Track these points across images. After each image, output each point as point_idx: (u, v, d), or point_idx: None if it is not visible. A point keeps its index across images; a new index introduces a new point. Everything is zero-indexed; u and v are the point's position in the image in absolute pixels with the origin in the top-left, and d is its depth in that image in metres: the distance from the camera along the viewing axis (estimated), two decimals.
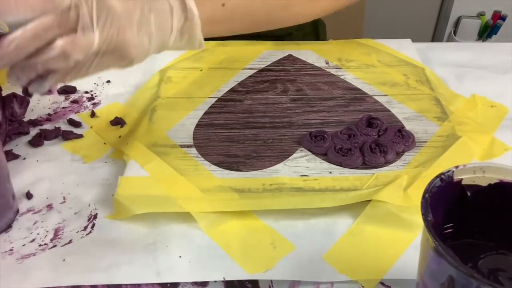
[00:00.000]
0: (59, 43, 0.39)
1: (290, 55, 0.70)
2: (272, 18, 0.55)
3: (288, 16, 0.56)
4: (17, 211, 0.48)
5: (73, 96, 0.64)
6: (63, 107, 0.62)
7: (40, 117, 0.60)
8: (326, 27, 0.91)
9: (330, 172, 0.51)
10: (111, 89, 0.65)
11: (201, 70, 0.67)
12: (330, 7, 0.60)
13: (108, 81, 0.66)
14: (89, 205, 0.49)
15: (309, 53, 0.70)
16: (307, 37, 0.79)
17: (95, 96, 0.64)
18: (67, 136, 0.57)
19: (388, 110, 0.60)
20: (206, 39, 0.48)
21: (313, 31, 0.88)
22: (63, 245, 0.45)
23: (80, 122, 0.59)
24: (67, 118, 0.60)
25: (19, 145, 0.56)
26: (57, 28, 0.38)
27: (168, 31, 0.45)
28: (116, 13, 0.41)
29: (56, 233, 0.46)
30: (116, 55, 0.42)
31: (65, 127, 0.59)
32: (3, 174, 0.46)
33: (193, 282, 0.42)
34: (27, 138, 0.57)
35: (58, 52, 0.39)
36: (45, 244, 0.45)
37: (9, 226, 0.47)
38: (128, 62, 0.43)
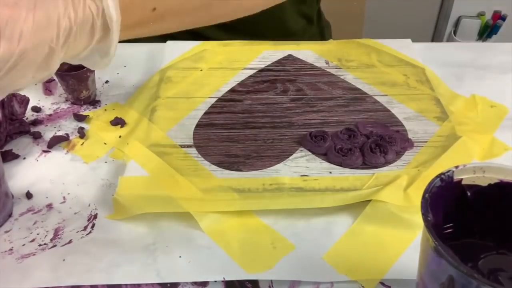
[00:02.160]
0: None
1: (290, 55, 0.70)
2: (209, 14, 0.48)
3: (227, 11, 0.50)
4: (11, 213, 0.48)
5: None
6: (63, 108, 0.62)
7: (40, 117, 0.60)
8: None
9: (330, 172, 0.51)
10: (111, 89, 0.65)
11: (201, 70, 0.67)
12: None
13: (107, 81, 0.66)
14: (89, 205, 0.49)
15: (309, 53, 0.70)
16: (313, 39, 0.79)
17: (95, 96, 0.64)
18: (66, 136, 0.57)
19: (388, 110, 0.60)
20: (150, 38, 0.44)
21: (319, 33, 0.88)
22: (63, 245, 0.45)
23: (86, 116, 0.60)
24: (73, 113, 0.60)
25: (19, 144, 0.56)
26: None
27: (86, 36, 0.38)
28: None
29: (56, 233, 0.46)
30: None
31: (65, 127, 0.59)
32: None
33: (193, 282, 0.42)
34: (28, 137, 0.57)
35: None
36: (45, 244, 0.45)
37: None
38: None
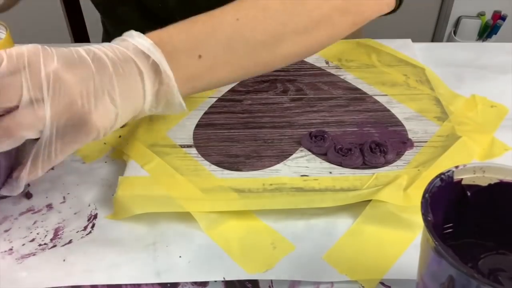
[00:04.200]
0: None
1: None
2: (258, 61, 0.47)
3: (278, 57, 0.48)
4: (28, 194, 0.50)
5: None
6: None
7: None
8: None
9: (330, 172, 0.51)
10: None
11: None
12: (327, 38, 0.50)
13: None
14: (89, 205, 0.49)
15: None
16: None
17: None
18: None
19: (388, 110, 0.60)
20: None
21: None
22: (63, 245, 0.45)
23: None
24: None
25: None
26: None
27: (139, 96, 0.41)
28: (67, 82, 0.37)
29: (56, 233, 0.46)
30: (78, 129, 0.38)
31: None
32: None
33: (193, 282, 0.42)
34: None
35: None
36: (45, 244, 0.45)
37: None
38: (96, 135, 0.40)
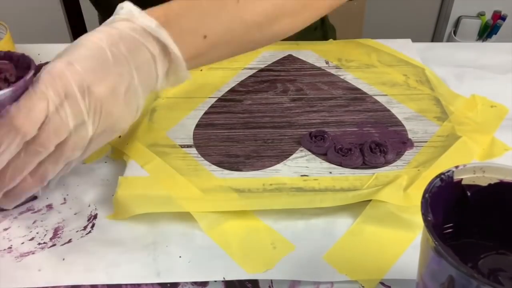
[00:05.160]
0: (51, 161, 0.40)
1: (290, 55, 0.70)
2: (254, 39, 0.51)
3: (270, 35, 0.52)
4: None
5: None
6: None
7: None
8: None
9: (330, 172, 0.51)
10: None
11: (201, 70, 0.67)
12: (309, 20, 0.56)
13: None
14: (89, 205, 0.49)
15: (309, 53, 0.70)
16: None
17: None
18: None
19: (388, 110, 0.60)
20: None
21: (323, 36, 0.88)
22: (62, 244, 0.45)
23: None
24: None
25: None
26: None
27: (153, 79, 0.44)
28: (102, 97, 0.40)
29: (56, 232, 0.46)
30: (108, 133, 0.43)
31: None
32: None
33: (193, 282, 0.42)
34: None
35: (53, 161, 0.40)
36: (44, 242, 0.45)
37: (35, 197, 0.49)
38: (120, 132, 0.44)
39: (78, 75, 0.39)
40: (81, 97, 0.39)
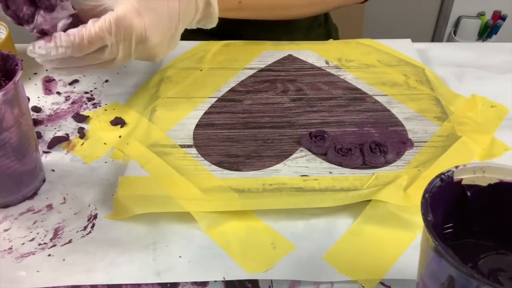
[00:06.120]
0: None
1: (290, 55, 0.70)
2: (267, 17, 0.68)
3: (281, 17, 0.69)
4: (44, 180, 0.51)
5: (73, 97, 0.64)
6: (63, 108, 0.62)
7: (40, 117, 0.60)
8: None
9: (330, 172, 0.51)
10: (111, 89, 0.65)
11: (201, 70, 0.67)
12: (320, 11, 0.75)
13: (107, 81, 0.66)
14: (89, 205, 0.49)
15: (309, 53, 0.70)
16: (318, 39, 0.79)
17: (95, 96, 0.64)
18: (66, 136, 0.57)
19: (388, 110, 0.60)
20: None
21: (326, 33, 0.88)
22: (62, 245, 0.45)
23: (87, 116, 0.60)
24: (72, 115, 0.60)
25: None
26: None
27: (191, 19, 0.55)
28: (153, 45, 0.52)
29: (56, 232, 0.46)
30: (147, 59, 0.55)
31: (65, 127, 0.59)
32: (31, 144, 0.48)
33: (193, 282, 0.42)
34: None
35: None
36: (44, 243, 0.45)
37: (35, 194, 0.50)
38: (154, 61, 0.56)
39: (142, 26, 0.50)
40: (135, 44, 0.51)
